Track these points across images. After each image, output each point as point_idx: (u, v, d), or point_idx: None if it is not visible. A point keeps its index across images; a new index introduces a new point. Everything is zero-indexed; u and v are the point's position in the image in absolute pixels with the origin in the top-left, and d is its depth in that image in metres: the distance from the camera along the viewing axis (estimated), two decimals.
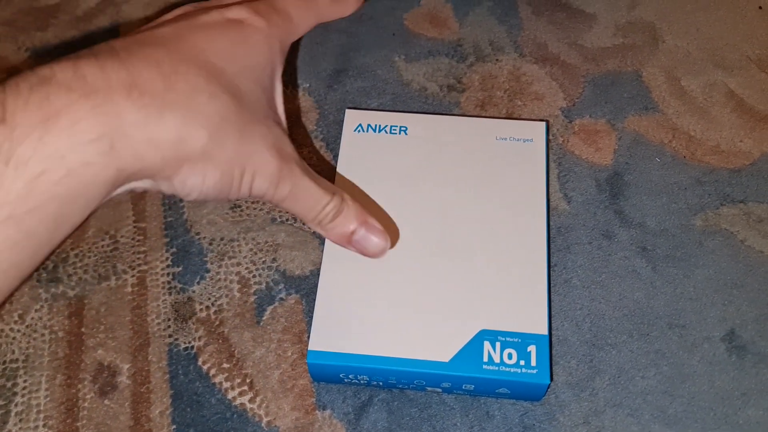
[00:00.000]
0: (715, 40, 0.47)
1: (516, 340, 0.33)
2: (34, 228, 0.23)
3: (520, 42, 0.48)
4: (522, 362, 0.33)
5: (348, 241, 0.32)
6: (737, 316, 0.37)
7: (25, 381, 0.36)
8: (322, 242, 0.38)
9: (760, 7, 0.49)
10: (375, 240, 0.32)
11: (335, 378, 0.35)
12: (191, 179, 0.27)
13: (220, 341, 0.37)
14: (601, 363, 0.36)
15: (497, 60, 0.47)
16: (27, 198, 0.22)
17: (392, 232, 0.37)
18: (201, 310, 0.38)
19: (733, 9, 0.49)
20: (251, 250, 0.40)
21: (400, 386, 0.35)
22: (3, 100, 0.22)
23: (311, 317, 0.35)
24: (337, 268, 0.36)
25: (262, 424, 0.35)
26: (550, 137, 0.43)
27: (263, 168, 0.28)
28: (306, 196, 0.30)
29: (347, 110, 0.41)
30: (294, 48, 0.48)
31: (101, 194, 0.25)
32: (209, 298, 0.38)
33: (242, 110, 0.28)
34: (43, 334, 0.37)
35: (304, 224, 0.31)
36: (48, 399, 0.35)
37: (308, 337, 0.36)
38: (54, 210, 0.23)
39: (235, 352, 0.37)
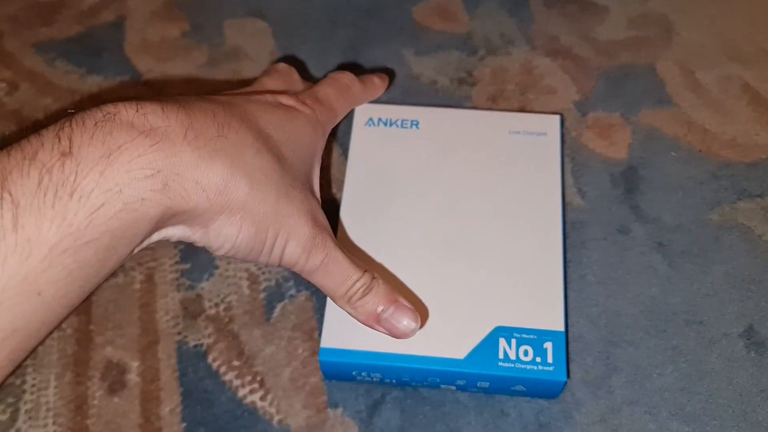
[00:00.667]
0: (730, 33, 0.47)
1: (532, 336, 0.33)
2: (87, 259, 0.24)
3: (532, 35, 0.47)
4: (538, 359, 0.32)
5: (376, 320, 0.31)
6: (755, 312, 0.36)
7: (34, 378, 0.36)
8: None
9: None
10: (405, 321, 0.31)
11: (348, 376, 0.34)
12: (227, 229, 0.28)
13: (230, 339, 0.37)
14: (618, 360, 0.35)
15: (508, 53, 0.46)
16: (86, 230, 0.23)
17: (394, 234, 0.36)
18: (210, 307, 0.38)
19: (748, 0, 0.48)
20: None
21: (414, 384, 0.34)
22: (70, 134, 0.24)
23: (322, 314, 0.35)
24: None
25: (273, 422, 0.34)
26: (563, 131, 0.42)
27: (297, 231, 0.29)
28: (337, 269, 0.30)
29: None
30: (301, 44, 0.47)
31: (145, 231, 0.25)
32: (218, 295, 0.38)
33: (284, 174, 0.29)
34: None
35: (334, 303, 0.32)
36: (57, 397, 0.35)
37: (319, 334, 0.36)
38: (106, 242, 0.24)
39: (245, 349, 0.36)
